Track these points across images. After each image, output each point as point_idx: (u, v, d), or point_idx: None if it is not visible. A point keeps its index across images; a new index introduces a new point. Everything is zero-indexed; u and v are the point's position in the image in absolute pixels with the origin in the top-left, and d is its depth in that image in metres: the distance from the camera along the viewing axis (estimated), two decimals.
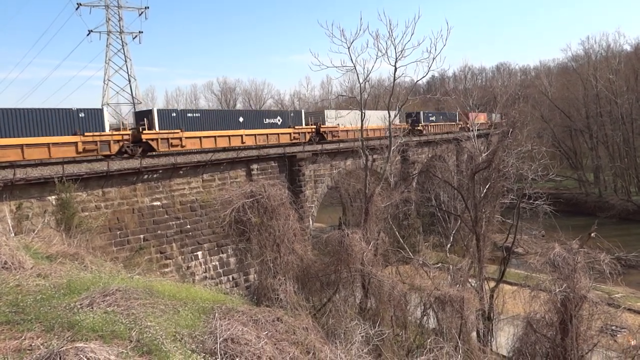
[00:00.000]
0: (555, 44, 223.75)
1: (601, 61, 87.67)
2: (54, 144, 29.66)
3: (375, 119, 51.96)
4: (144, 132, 34.72)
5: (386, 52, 27.63)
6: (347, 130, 51.68)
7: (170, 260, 31.51)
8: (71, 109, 30.92)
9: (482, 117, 66.89)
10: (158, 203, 31.56)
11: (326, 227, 61.07)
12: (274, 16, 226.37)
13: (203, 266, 33.20)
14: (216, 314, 9.77)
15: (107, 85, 70.74)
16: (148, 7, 72.11)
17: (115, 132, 33.22)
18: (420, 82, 33.98)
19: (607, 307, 20.30)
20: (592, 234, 25.13)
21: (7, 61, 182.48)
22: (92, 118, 31.68)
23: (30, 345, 7.00)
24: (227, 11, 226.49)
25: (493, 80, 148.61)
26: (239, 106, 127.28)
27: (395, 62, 27.76)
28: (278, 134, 44.76)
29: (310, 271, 19.39)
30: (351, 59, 27.72)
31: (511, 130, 32.24)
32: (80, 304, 8.74)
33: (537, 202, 31.56)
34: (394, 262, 29.06)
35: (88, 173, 27.95)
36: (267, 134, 43.58)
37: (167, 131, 35.93)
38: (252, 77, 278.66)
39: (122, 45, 71.16)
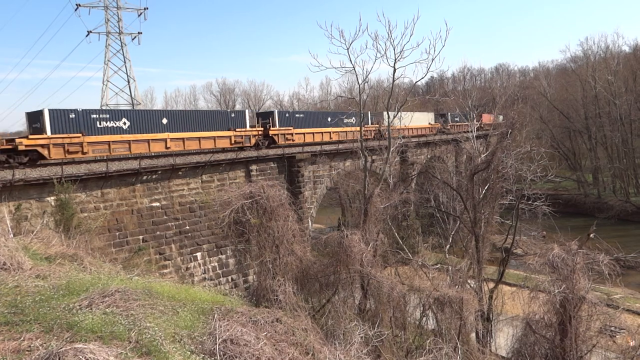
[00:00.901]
0: (554, 45, 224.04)
1: (600, 62, 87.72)
2: (218, 137, 39.32)
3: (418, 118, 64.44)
4: (271, 129, 44.29)
5: (385, 53, 27.66)
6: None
7: (169, 261, 31.50)
8: (226, 110, 42.24)
9: (491, 118, 68.03)
10: (157, 204, 31.56)
11: (325, 228, 61.24)
12: (273, 17, 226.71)
13: (202, 267, 33.19)
14: (215, 315, 9.77)
15: (106, 86, 70.77)
16: (147, 8, 72.26)
17: (253, 129, 42.48)
18: (419, 83, 34.12)
19: (606, 308, 20.34)
20: (591, 235, 25.17)
21: (6, 62, 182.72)
22: (239, 118, 41.28)
23: (29, 346, 6.99)
24: (226, 12, 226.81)
25: (492, 81, 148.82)
26: (237, 107, 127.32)
27: (394, 63, 27.78)
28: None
29: (309, 272, 19.37)
30: (350, 60, 27.78)
31: (510, 131, 32.21)
32: (80, 305, 8.73)
33: (536, 203, 31.54)
34: (393, 263, 29.06)
35: (87, 174, 27.94)
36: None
37: (283, 128, 45.64)
38: (251, 78, 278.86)
39: (121, 46, 71.21)
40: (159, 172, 31.65)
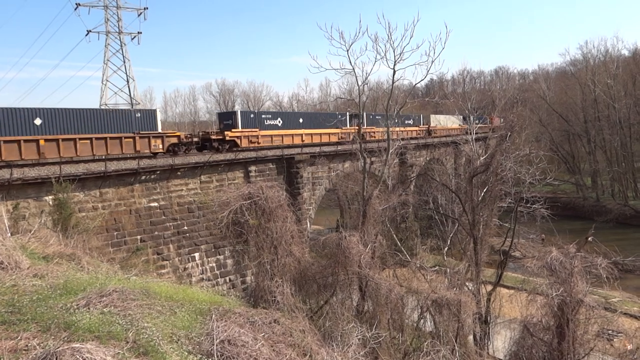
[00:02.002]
0: (554, 48, 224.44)
1: (599, 66, 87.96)
2: (111, 138, 33.25)
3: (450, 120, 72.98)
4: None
5: (385, 55, 27.70)
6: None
7: (167, 262, 31.45)
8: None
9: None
10: (155, 204, 31.53)
11: (324, 230, 61.23)
12: (273, 18, 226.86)
13: (200, 267, 33.15)
14: (213, 316, 9.75)
15: (105, 85, 70.68)
16: (147, 8, 72.15)
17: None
18: (418, 85, 34.10)
19: (603, 312, 20.40)
20: (589, 238, 25.20)
21: (5, 61, 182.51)
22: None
23: (27, 345, 6.97)
24: (226, 13, 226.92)
25: (492, 83, 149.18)
26: (237, 108, 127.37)
27: (394, 65, 27.81)
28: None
29: (307, 273, 19.36)
30: (350, 62, 27.79)
31: (509, 134, 32.26)
32: (77, 305, 8.72)
33: (534, 206, 31.57)
34: (391, 265, 29.06)
35: (85, 173, 27.89)
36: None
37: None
38: (251, 79, 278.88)
39: (121, 46, 71.14)
40: (158, 172, 31.62)
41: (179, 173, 32.88)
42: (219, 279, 33.87)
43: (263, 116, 45.49)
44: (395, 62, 27.58)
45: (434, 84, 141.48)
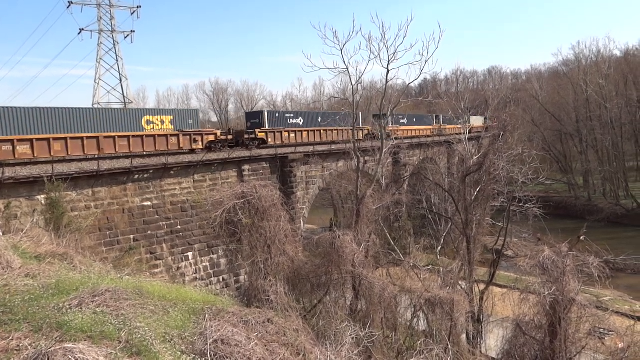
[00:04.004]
0: (547, 48, 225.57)
1: (591, 66, 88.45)
2: None
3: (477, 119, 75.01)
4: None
5: (379, 54, 27.72)
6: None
7: (161, 261, 31.35)
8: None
9: None
10: (149, 203, 31.41)
11: (317, 229, 61.20)
12: (267, 17, 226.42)
13: (193, 267, 33.06)
14: (206, 315, 9.74)
15: (98, 84, 70.46)
16: (140, 6, 71.98)
17: None
18: (412, 84, 34.28)
19: (595, 310, 20.51)
20: (582, 237, 25.36)
21: None
22: None
23: (18, 345, 6.93)
24: (220, 11, 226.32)
25: (485, 83, 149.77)
26: (230, 107, 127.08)
27: (388, 65, 27.84)
28: None
29: (301, 272, 19.37)
30: (344, 61, 27.84)
31: (502, 133, 32.38)
32: (69, 305, 8.68)
33: (527, 205, 31.73)
34: (384, 264, 29.11)
35: (78, 172, 27.74)
36: None
37: None
38: (245, 78, 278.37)
39: (114, 44, 70.98)
40: (151, 171, 31.50)
41: (172, 172, 32.77)
42: (212, 279, 33.80)
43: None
44: (389, 61, 27.63)
45: (428, 84, 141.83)
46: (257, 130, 43.72)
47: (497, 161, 30.12)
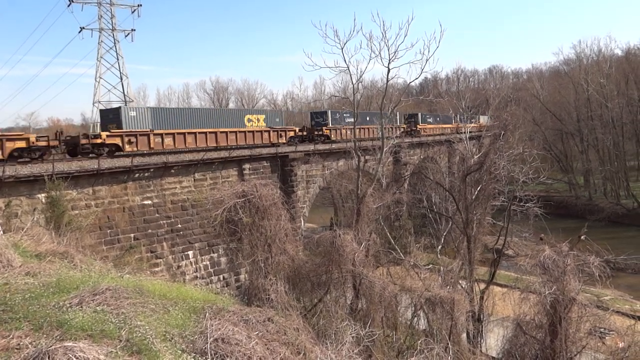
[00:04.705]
0: (548, 48, 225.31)
1: (592, 65, 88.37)
2: None
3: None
4: None
5: (379, 53, 27.69)
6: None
7: (161, 260, 31.35)
8: None
9: None
10: (149, 202, 31.40)
11: (318, 228, 61.08)
12: (268, 16, 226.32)
13: (194, 266, 33.07)
14: (207, 314, 9.72)
15: (98, 83, 70.40)
16: (141, 5, 71.87)
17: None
18: (413, 83, 34.26)
19: (596, 310, 20.47)
20: (582, 237, 25.29)
21: None
22: None
23: (19, 344, 6.93)
24: (220, 10, 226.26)
25: (485, 82, 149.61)
26: (231, 106, 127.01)
27: (389, 64, 27.84)
28: None
29: (301, 271, 19.35)
30: (344, 60, 27.78)
31: (503, 132, 32.34)
32: (70, 303, 8.67)
33: (527, 204, 31.70)
34: (385, 263, 29.11)
35: (78, 171, 27.74)
36: None
37: None
38: (245, 77, 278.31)
39: (114, 43, 70.88)
40: (152, 169, 31.49)
41: (172, 171, 32.77)
42: (212, 277, 33.81)
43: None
44: (389, 60, 27.62)
45: (428, 83, 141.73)
46: (324, 128, 51.13)
47: (497, 160, 30.10)
